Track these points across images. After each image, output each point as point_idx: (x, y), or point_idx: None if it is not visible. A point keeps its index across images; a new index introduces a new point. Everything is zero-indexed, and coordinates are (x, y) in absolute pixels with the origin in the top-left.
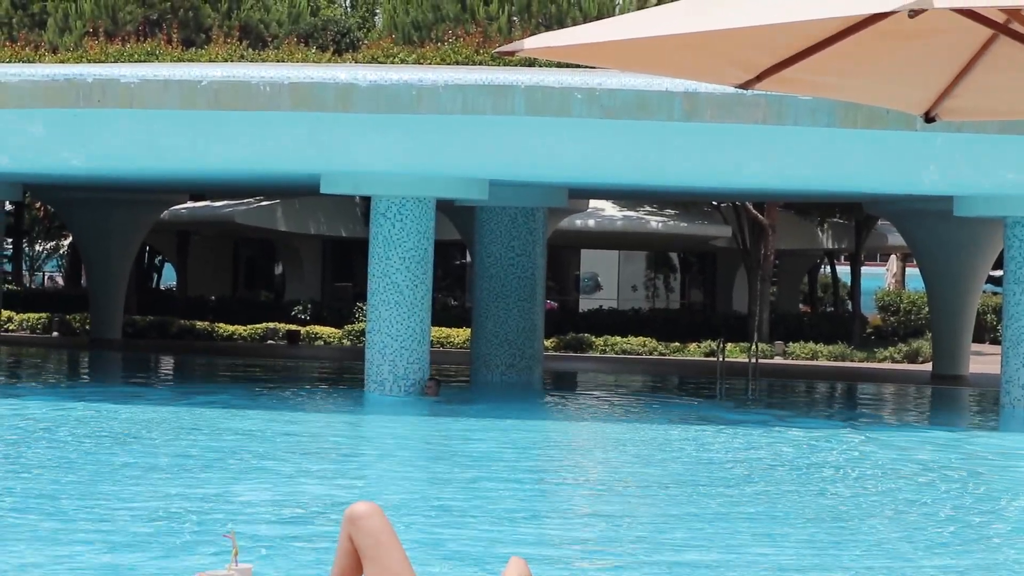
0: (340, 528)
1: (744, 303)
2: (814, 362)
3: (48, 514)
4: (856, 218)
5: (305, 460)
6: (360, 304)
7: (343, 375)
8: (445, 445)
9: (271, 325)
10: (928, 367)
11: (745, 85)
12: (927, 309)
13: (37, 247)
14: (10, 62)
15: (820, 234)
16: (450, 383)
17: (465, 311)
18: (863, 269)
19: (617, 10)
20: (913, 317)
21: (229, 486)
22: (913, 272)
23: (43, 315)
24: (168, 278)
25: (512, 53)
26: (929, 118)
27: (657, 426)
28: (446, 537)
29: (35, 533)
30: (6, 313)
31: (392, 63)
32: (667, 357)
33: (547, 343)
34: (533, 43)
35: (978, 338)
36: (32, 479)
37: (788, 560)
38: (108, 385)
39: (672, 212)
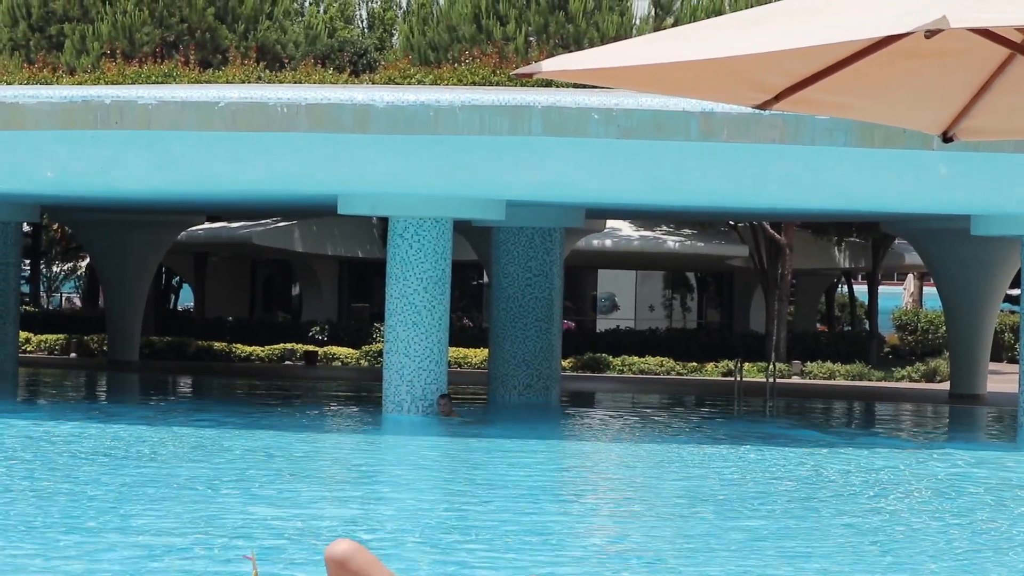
0: (326, 570)
1: (761, 323)
2: (831, 382)
3: (61, 535)
4: (873, 237)
5: (323, 481)
6: (377, 325)
7: (361, 395)
8: (464, 465)
9: (288, 346)
10: (946, 386)
11: (762, 106)
12: (944, 328)
13: (54, 268)
14: (28, 84)
15: (837, 253)
16: (465, 404)
17: (482, 331)
18: (880, 288)
19: (635, 31)
20: (930, 336)
21: (248, 507)
22: (930, 291)
23: (61, 336)
24: (185, 299)
25: (530, 75)
26: (947, 138)
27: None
28: (465, 558)
29: (59, 551)
30: (24, 334)
31: (409, 84)
32: (684, 377)
33: (564, 363)
34: (551, 65)
35: (995, 357)
36: (54, 497)
37: None
38: (126, 405)
39: (689, 232)
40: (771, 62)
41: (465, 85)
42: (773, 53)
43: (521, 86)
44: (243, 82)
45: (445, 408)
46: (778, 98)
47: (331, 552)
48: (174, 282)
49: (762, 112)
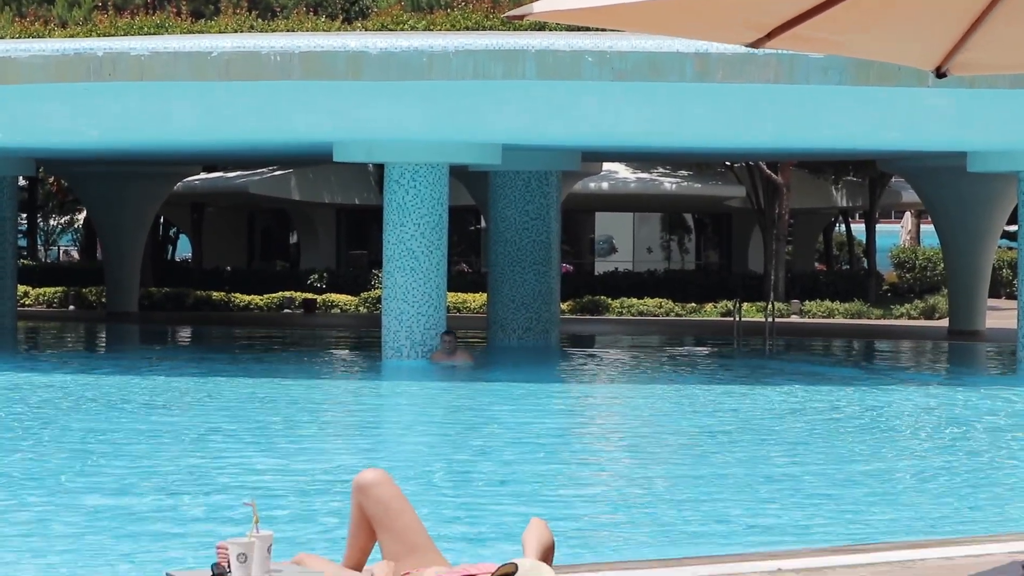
0: (351, 497)
1: (759, 263)
2: (831, 320)
3: (66, 479)
4: (870, 176)
5: (323, 427)
6: (376, 271)
7: (360, 342)
8: (465, 409)
9: (287, 294)
10: (944, 323)
11: (756, 44)
12: (942, 265)
13: (51, 222)
14: (19, 38)
15: (834, 192)
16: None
17: (480, 276)
18: (878, 226)
19: None
20: (929, 273)
21: (248, 454)
22: (928, 228)
23: (59, 289)
24: (183, 250)
25: (522, 17)
26: (940, 73)
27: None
28: (465, 500)
29: (55, 499)
30: (22, 288)
31: (402, 30)
32: (683, 318)
33: (563, 306)
34: (542, 6)
35: (994, 293)
36: (55, 447)
37: None
38: (127, 356)
39: (686, 173)
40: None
41: (458, 30)
42: None
43: (514, 30)
44: (236, 32)
45: (450, 345)
46: (771, 36)
47: (360, 477)
48: (171, 233)
49: (756, 52)
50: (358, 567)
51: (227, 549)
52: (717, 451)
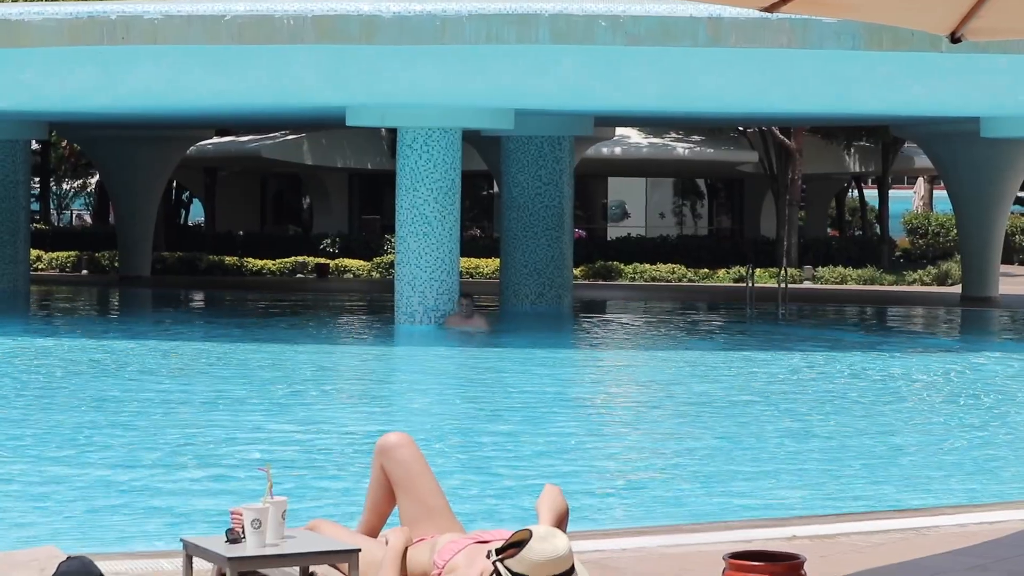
0: (372, 459)
1: (772, 228)
2: (843, 286)
3: (81, 447)
4: (883, 141)
5: (337, 392)
6: (388, 236)
7: (373, 307)
8: (480, 374)
9: (300, 259)
10: (957, 289)
11: (770, 8)
12: (955, 231)
13: (64, 186)
14: (32, 1)
15: (847, 158)
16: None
17: (493, 241)
18: (890, 192)
19: None
20: (941, 239)
21: (262, 419)
22: (941, 194)
23: (72, 253)
24: (196, 214)
25: None
26: (955, 38)
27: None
28: (479, 466)
29: (71, 463)
30: (35, 252)
31: None
32: (696, 283)
33: (576, 271)
34: None
35: (1007, 259)
36: (65, 410)
37: None
38: (140, 321)
39: (698, 138)
40: None
41: None
42: None
43: None
44: None
45: (467, 309)
46: (785, 0)
47: (382, 440)
48: (184, 197)
49: (770, 16)
50: (373, 533)
51: (241, 515)
52: (731, 417)
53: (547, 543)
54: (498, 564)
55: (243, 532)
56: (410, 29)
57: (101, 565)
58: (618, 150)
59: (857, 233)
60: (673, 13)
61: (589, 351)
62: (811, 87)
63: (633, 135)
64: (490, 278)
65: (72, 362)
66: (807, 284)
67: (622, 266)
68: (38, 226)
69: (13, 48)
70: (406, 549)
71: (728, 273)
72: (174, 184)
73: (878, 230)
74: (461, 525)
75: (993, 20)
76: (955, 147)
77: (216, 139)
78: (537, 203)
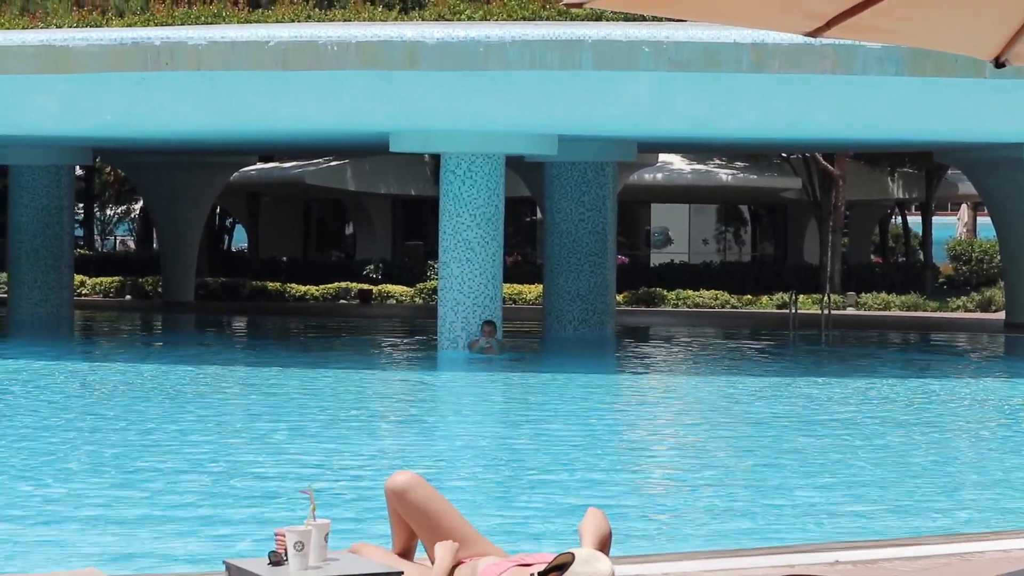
0: (386, 500)
1: (815, 255)
2: (886, 312)
3: (124, 468)
4: (926, 167)
5: (379, 417)
6: (431, 262)
7: (416, 332)
8: (522, 400)
9: (343, 285)
10: (1001, 316)
11: (814, 33)
12: (999, 257)
13: (108, 211)
14: (77, 27)
15: (890, 184)
16: (518, 339)
17: (536, 268)
18: (934, 218)
19: None
20: (985, 266)
21: (306, 444)
22: (984, 221)
23: (115, 279)
24: (239, 240)
25: (579, 5)
26: (999, 63)
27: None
28: (521, 491)
29: (114, 483)
30: (78, 278)
31: (458, 20)
32: (739, 310)
33: (619, 297)
34: None
35: None
36: (115, 435)
37: None
38: (183, 346)
39: (741, 164)
40: None
41: (515, 20)
42: None
43: (571, 20)
44: (293, 21)
45: (490, 335)
46: (829, 25)
47: (391, 483)
48: (228, 223)
49: (813, 42)
50: (408, 556)
51: (284, 536)
52: (774, 443)
53: (590, 566)
54: None
55: (286, 554)
56: (453, 55)
57: None
58: (661, 176)
59: (900, 260)
60: (717, 39)
61: (632, 376)
62: (855, 113)
63: (676, 161)
64: (533, 304)
65: (115, 384)
66: (850, 310)
67: (665, 292)
68: (82, 252)
69: (57, 74)
70: (453, 569)
71: (771, 299)
72: (217, 210)
73: (921, 257)
74: (500, 549)
75: None
76: (999, 173)
77: (259, 165)
78: (580, 229)
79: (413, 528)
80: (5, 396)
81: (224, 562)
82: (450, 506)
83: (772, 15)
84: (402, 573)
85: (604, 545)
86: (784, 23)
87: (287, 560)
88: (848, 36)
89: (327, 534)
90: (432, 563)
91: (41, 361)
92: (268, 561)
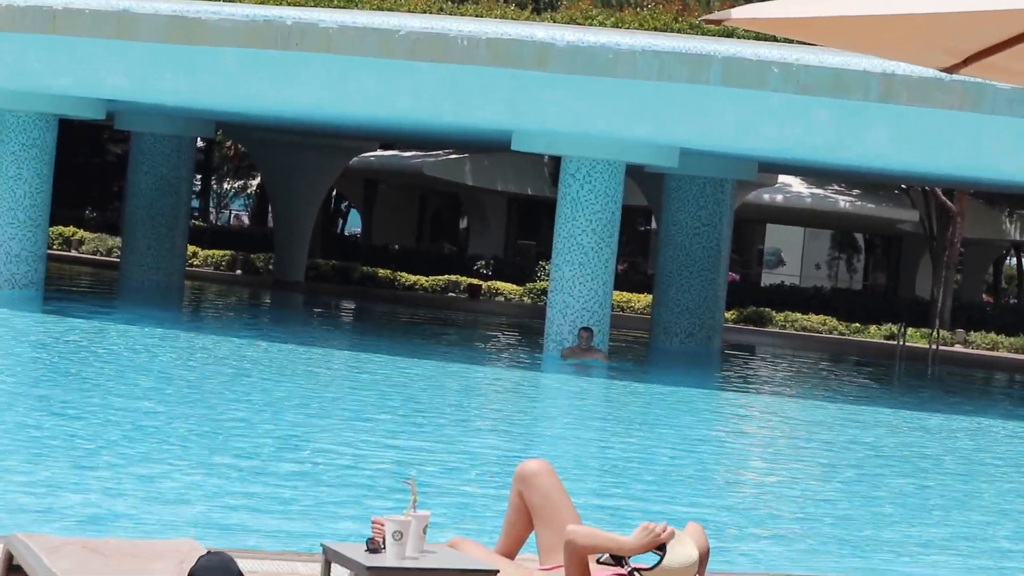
0: (512, 486)
1: (927, 289)
2: (995, 352)
3: (227, 443)
4: None
5: (482, 414)
6: (543, 263)
7: (523, 332)
8: (623, 407)
9: (453, 278)
10: None
11: (950, 69)
12: None
13: (225, 185)
14: (210, 0)
15: (1008, 224)
16: (623, 348)
17: (647, 277)
18: None
19: None
20: None
21: (408, 434)
22: None
23: (227, 253)
24: (353, 224)
25: (719, 22)
26: None
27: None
28: (617, 500)
29: (216, 457)
30: (191, 248)
31: (590, 25)
32: (846, 337)
33: (727, 315)
34: (741, 13)
35: None
36: (216, 412)
37: None
38: (292, 325)
39: (859, 192)
40: (964, 23)
41: (646, 30)
42: (968, 13)
43: (702, 35)
44: (425, 12)
45: (586, 342)
46: (967, 62)
47: (522, 468)
48: (343, 207)
49: (943, 77)
50: (511, 555)
51: (383, 525)
52: (869, 471)
53: (683, 546)
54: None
55: (384, 542)
56: (583, 60)
57: (238, 562)
58: (779, 197)
59: (1012, 301)
60: (846, 65)
61: (734, 394)
62: (979, 151)
63: (795, 183)
64: (640, 313)
65: (223, 360)
66: (958, 347)
67: (773, 313)
68: (196, 223)
69: (187, 45)
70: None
71: (879, 329)
72: (334, 193)
73: None
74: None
75: None
76: None
77: (379, 152)
78: (694, 242)
79: (532, 514)
80: (118, 359)
81: (321, 544)
82: (571, 502)
83: (911, 48)
84: (497, 571)
85: (702, 561)
86: (922, 57)
87: (384, 549)
88: (982, 75)
89: (426, 526)
90: (540, 559)
91: (160, 328)
92: (366, 548)
